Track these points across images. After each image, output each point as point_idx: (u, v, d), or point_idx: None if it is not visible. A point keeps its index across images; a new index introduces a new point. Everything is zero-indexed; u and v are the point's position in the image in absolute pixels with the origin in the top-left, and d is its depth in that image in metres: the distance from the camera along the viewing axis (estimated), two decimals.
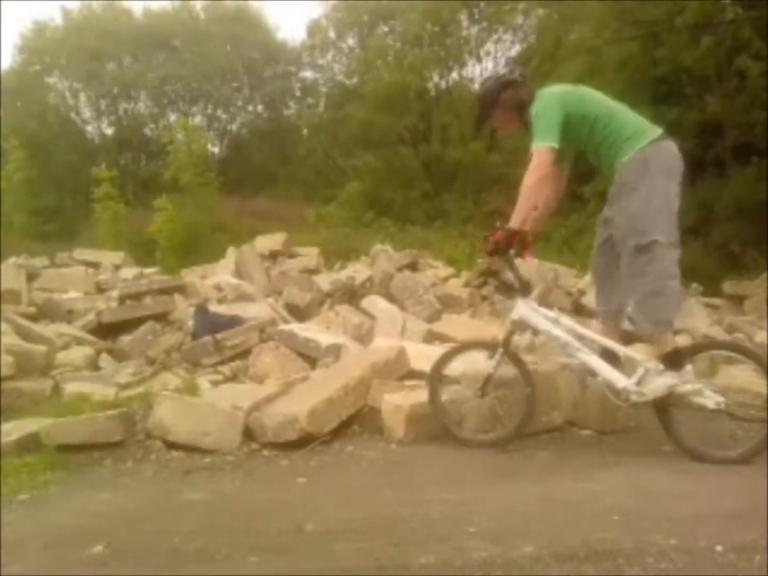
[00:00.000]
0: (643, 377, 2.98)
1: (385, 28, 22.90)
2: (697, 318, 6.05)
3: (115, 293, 6.53)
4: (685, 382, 2.93)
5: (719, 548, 2.03)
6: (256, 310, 5.66)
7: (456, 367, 3.45)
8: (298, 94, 25.83)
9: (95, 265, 8.71)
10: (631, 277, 3.00)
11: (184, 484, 2.90)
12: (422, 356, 4.15)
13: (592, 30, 13.92)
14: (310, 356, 4.61)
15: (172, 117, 24.36)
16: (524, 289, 3.30)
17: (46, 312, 6.13)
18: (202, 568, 2.05)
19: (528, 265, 3.30)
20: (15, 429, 3.46)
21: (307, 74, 25.58)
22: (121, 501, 2.76)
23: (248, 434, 3.36)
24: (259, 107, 26.23)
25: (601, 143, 3.09)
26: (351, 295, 6.34)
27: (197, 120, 23.63)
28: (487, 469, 2.99)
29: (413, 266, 7.68)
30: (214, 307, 5.64)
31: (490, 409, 3.31)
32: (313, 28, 23.87)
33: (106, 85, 23.37)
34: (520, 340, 4.66)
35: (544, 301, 6.05)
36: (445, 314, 5.89)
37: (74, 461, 3.20)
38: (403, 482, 2.83)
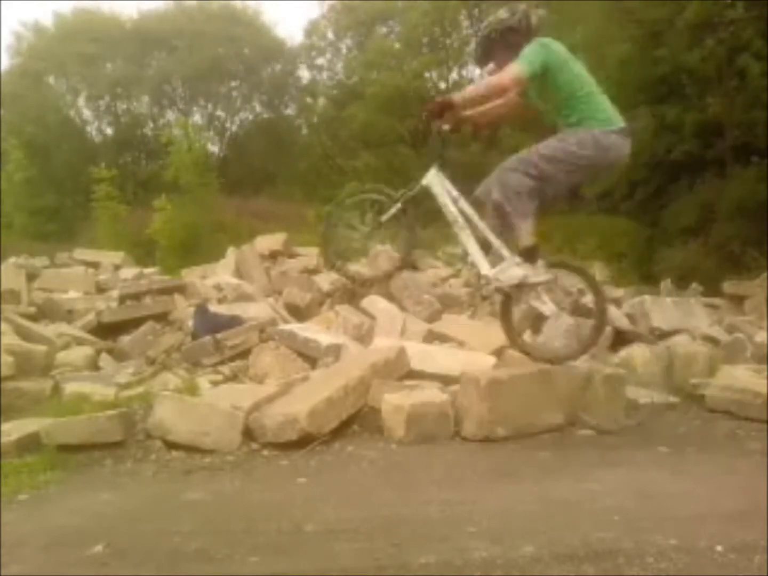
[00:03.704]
0: (504, 269, 3.36)
1: (384, 29, 22.89)
2: (697, 318, 6.05)
3: (115, 293, 6.53)
4: (536, 274, 3.31)
5: (719, 548, 2.03)
6: (256, 310, 5.65)
7: None
8: (297, 93, 25.82)
9: (95, 265, 8.71)
10: (500, 167, 3.38)
11: (184, 484, 2.90)
12: (422, 356, 4.15)
13: (592, 30, 13.91)
14: (310, 356, 4.61)
15: (172, 116, 24.37)
16: (441, 162, 3.51)
17: (46, 312, 6.12)
18: (202, 568, 2.05)
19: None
20: (15, 429, 3.45)
21: (306, 74, 25.61)
22: (121, 501, 2.75)
23: (248, 434, 3.35)
24: (258, 106, 26.25)
25: (571, 113, 3.34)
26: (351, 295, 6.33)
27: (196, 119, 23.65)
28: (487, 469, 2.99)
29: (413, 266, 7.66)
30: (214, 307, 5.63)
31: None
32: (311, 30, 23.87)
33: (105, 86, 23.37)
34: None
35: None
36: (445, 314, 5.88)
37: (74, 461, 3.20)
38: (403, 482, 2.83)
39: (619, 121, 3.34)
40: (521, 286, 3.35)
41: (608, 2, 12.25)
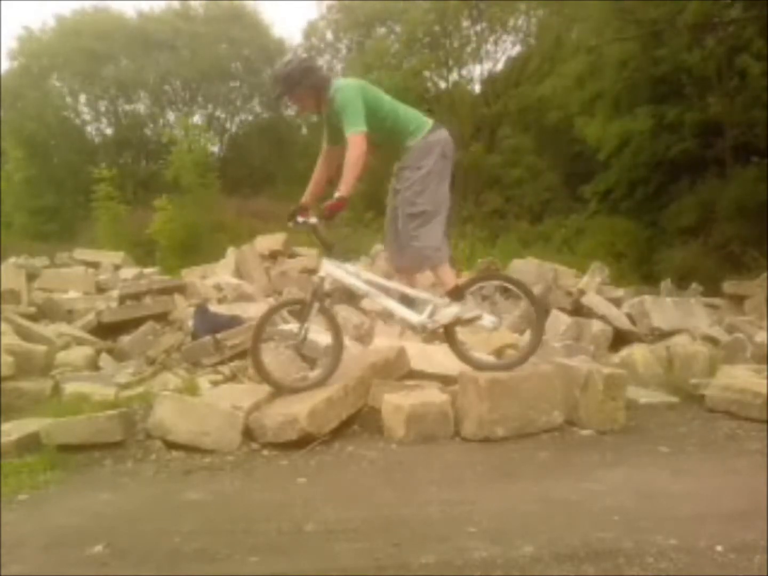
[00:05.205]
0: (434, 311, 3.54)
1: (383, 29, 22.85)
2: (697, 318, 6.05)
3: (115, 293, 6.53)
4: (467, 310, 3.54)
5: (719, 548, 2.03)
6: (256, 310, 5.65)
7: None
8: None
9: (95, 265, 8.70)
10: (405, 237, 3.59)
11: (184, 484, 2.90)
12: (422, 356, 4.16)
13: (592, 30, 13.92)
14: (310, 356, 4.60)
15: (172, 117, 24.36)
16: (328, 249, 3.71)
17: (46, 312, 6.12)
18: (202, 568, 2.06)
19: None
20: (15, 429, 3.45)
21: None
22: (121, 501, 2.76)
23: (248, 434, 3.36)
24: (258, 107, 26.24)
25: (392, 131, 3.67)
26: (351, 295, 6.33)
27: (196, 119, 23.61)
28: (487, 469, 2.99)
29: None
30: (214, 307, 5.63)
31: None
32: (310, 31, 23.83)
33: (105, 86, 23.36)
34: (519, 340, 4.68)
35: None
36: None
37: (74, 461, 3.20)
38: (403, 482, 2.83)
39: (427, 121, 3.67)
40: (457, 323, 3.52)
41: (608, 2, 12.25)
